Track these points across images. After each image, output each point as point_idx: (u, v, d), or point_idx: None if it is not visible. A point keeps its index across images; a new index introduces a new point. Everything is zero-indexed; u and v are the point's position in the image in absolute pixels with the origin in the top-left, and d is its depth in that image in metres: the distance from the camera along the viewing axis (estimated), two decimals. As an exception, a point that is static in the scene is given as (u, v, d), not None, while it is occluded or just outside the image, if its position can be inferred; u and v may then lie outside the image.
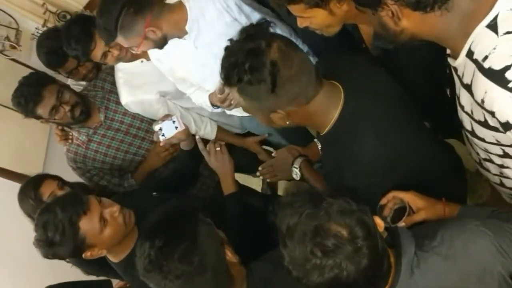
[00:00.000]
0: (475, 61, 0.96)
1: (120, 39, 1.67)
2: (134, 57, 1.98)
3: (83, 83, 2.38)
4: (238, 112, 1.95)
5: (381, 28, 1.06)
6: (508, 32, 0.90)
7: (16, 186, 2.08)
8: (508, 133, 0.97)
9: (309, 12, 1.26)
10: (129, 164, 2.21)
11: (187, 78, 1.91)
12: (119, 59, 1.98)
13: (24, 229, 1.82)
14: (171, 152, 2.18)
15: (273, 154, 1.87)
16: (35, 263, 1.84)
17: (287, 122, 1.30)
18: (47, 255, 1.50)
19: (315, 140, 1.74)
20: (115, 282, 2.18)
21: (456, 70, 1.07)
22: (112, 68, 2.18)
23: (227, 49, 1.24)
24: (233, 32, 1.27)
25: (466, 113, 1.09)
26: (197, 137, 1.84)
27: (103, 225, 1.51)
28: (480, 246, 1.04)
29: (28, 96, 1.98)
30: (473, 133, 1.11)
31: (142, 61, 2.04)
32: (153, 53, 1.86)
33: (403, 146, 1.32)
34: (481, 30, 0.95)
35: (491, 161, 1.19)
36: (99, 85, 2.21)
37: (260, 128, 2.23)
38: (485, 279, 1.03)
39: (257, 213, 1.62)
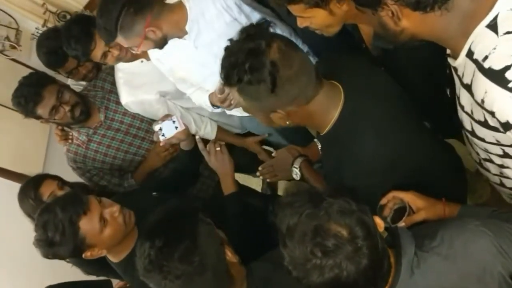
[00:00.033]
0: (475, 61, 0.96)
1: (120, 39, 1.67)
2: (134, 57, 1.98)
3: (83, 83, 2.38)
4: (238, 112, 1.95)
5: (381, 28, 1.06)
6: (508, 32, 0.90)
7: (16, 186, 2.08)
8: (508, 133, 0.97)
9: (309, 12, 1.26)
10: (129, 164, 2.21)
11: (187, 78, 1.91)
12: (119, 59, 1.98)
13: (24, 229, 1.82)
14: (171, 152, 2.18)
15: (273, 154, 1.87)
16: (35, 263, 1.84)
17: (287, 122, 1.30)
18: (47, 255, 1.50)
19: (315, 140, 1.74)
20: (115, 282, 2.18)
21: (456, 70, 1.07)
22: (112, 68, 2.18)
23: (227, 49, 1.24)
24: (233, 32, 1.27)
25: (466, 113, 1.09)
26: (197, 137, 1.84)
27: (103, 225, 1.51)
28: (480, 246, 1.04)
29: (28, 96, 1.98)
30: (473, 133, 1.11)
31: (142, 61, 2.04)
32: (153, 53, 1.86)
33: (403, 146, 1.32)
34: (481, 30, 0.95)
35: (491, 161, 1.19)
36: (99, 85, 2.21)
37: (260, 128, 2.23)
38: (485, 279, 1.03)
39: (257, 213, 1.62)
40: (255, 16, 1.74)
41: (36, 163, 2.81)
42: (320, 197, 1.00)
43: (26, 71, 2.27)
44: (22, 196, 1.99)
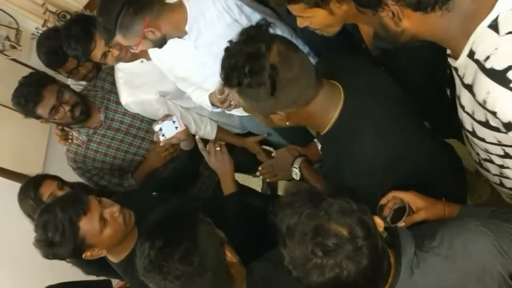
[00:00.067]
0: (477, 62, 0.96)
1: (118, 38, 1.67)
2: (134, 57, 1.98)
3: (83, 83, 2.38)
4: (238, 112, 1.95)
5: (381, 29, 1.06)
6: (509, 32, 0.90)
7: (16, 186, 2.08)
8: (510, 133, 0.97)
9: (309, 12, 1.26)
10: (129, 164, 2.21)
11: (187, 78, 1.91)
12: (119, 59, 1.98)
13: (24, 229, 1.81)
14: (171, 152, 2.18)
15: (273, 154, 1.87)
16: (35, 263, 1.84)
17: (287, 123, 1.30)
18: (47, 256, 1.50)
19: (315, 140, 1.74)
20: (115, 282, 2.18)
21: (456, 70, 1.07)
22: (112, 68, 2.18)
23: (227, 50, 1.24)
24: (233, 33, 1.27)
25: (467, 113, 1.08)
26: (197, 137, 1.84)
27: (103, 225, 1.51)
28: (480, 246, 1.04)
29: (28, 96, 1.98)
30: (473, 133, 1.11)
31: (142, 61, 2.04)
32: (153, 52, 1.86)
33: (403, 146, 1.32)
34: (482, 30, 0.94)
35: (491, 161, 1.19)
36: (99, 85, 2.21)
37: (260, 128, 2.23)
38: (485, 279, 1.03)
39: (257, 213, 1.63)
40: (256, 17, 1.74)
41: (36, 163, 2.81)
42: (320, 197, 1.00)
43: (26, 71, 2.26)
44: (22, 196, 1.99)
